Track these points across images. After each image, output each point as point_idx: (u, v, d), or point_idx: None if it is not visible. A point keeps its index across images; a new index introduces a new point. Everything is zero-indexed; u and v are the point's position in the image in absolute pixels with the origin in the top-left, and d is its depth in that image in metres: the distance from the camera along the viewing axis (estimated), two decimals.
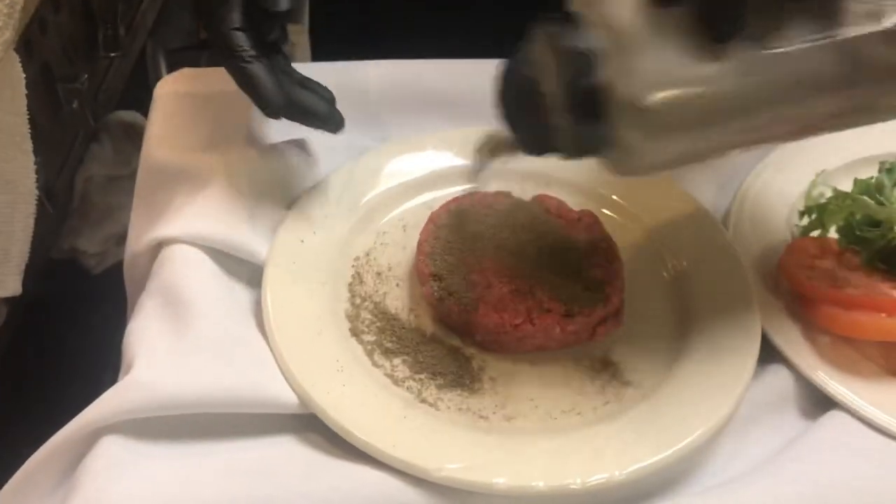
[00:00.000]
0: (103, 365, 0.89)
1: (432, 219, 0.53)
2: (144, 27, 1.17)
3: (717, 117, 0.40)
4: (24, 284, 0.75)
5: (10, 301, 0.75)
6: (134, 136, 1.04)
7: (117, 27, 1.02)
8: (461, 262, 0.51)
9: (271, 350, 0.47)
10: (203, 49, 1.32)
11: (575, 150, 0.42)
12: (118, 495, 0.41)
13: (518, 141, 0.44)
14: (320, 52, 0.89)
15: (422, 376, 0.49)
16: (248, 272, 0.53)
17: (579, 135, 0.40)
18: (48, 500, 0.43)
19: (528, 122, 0.42)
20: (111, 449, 0.42)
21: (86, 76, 0.94)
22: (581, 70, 0.39)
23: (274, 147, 0.58)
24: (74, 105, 0.92)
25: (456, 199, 0.55)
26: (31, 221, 0.74)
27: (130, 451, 0.43)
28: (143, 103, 1.17)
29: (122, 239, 1.01)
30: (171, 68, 1.25)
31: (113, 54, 1.02)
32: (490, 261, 0.51)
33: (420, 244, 0.52)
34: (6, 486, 0.45)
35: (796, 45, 0.39)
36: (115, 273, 0.96)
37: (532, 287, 0.49)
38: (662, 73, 0.39)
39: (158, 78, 1.11)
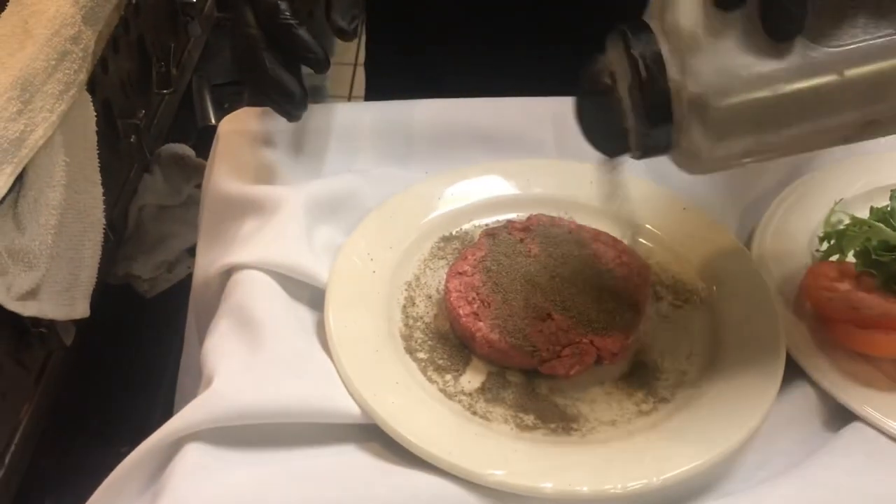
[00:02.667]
0: (156, 381, 0.95)
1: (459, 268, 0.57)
2: (191, 64, 1.23)
3: (781, 118, 0.41)
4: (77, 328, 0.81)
5: (76, 323, 0.81)
6: (183, 167, 1.10)
7: (170, 65, 1.08)
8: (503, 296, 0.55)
9: (335, 366, 0.52)
10: (243, 85, 1.38)
11: (645, 150, 0.44)
12: (201, 497, 0.45)
13: (593, 143, 0.46)
14: (373, 89, 0.93)
15: (472, 391, 0.53)
16: (309, 294, 0.57)
17: (649, 136, 0.43)
18: (136, 501, 0.48)
19: (603, 124, 0.45)
20: (195, 455, 0.47)
21: (143, 111, 1.00)
22: (651, 74, 0.42)
23: (330, 179, 0.63)
24: (132, 139, 0.98)
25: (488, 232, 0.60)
26: (99, 249, 0.79)
27: (212, 457, 0.47)
28: (189, 135, 1.24)
29: (172, 265, 1.07)
30: (215, 102, 1.32)
31: (165, 91, 1.08)
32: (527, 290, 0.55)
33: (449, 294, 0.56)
34: (98, 489, 0.49)
35: (857, 43, 0.40)
36: (166, 297, 1.02)
37: (575, 315, 0.54)
38: (727, 75, 0.40)
39: (204, 111, 1.18)
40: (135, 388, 0.91)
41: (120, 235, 1.02)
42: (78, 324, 0.80)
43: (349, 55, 2.41)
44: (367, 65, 0.94)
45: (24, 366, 0.76)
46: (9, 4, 0.79)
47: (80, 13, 0.79)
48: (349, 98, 2.33)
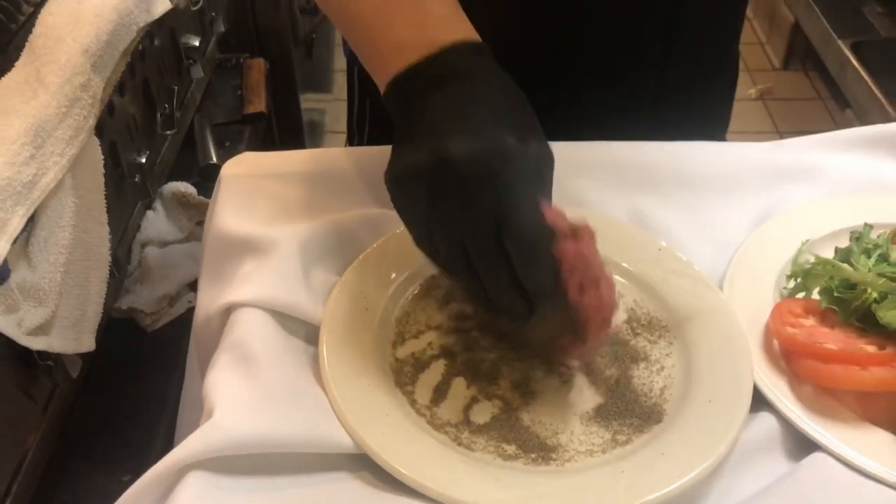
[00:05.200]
0: (158, 412, 0.98)
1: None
2: (193, 105, 1.28)
3: None
4: (83, 360, 0.84)
5: (82, 356, 0.84)
6: (185, 205, 1.14)
7: (173, 107, 1.13)
8: None
9: (328, 399, 0.55)
10: (244, 124, 1.43)
11: None
12: None
13: None
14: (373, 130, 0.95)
15: (457, 422, 0.56)
16: (305, 331, 0.61)
17: None
18: None
19: None
20: (197, 483, 0.50)
21: (147, 152, 1.04)
22: None
23: (326, 221, 0.67)
24: (136, 178, 1.02)
25: None
26: (105, 285, 0.83)
27: (213, 484, 0.51)
28: (190, 173, 1.28)
29: (174, 299, 1.10)
30: (216, 141, 1.36)
31: (169, 131, 1.12)
32: None
33: None
34: None
35: None
36: (168, 331, 1.06)
37: None
38: None
39: (205, 150, 1.22)
40: (137, 418, 0.94)
41: (123, 270, 1.06)
42: (83, 356, 0.84)
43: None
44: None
45: (32, 397, 0.79)
46: (22, 54, 0.83)
47: (89, 62, 0.83)
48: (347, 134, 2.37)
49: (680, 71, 0.82)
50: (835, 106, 2.49)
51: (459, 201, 0.51)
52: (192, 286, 1.11)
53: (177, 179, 1.18)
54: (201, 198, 1.15)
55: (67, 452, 0.91)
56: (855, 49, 2.12)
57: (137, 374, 1.03)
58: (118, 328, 1.05)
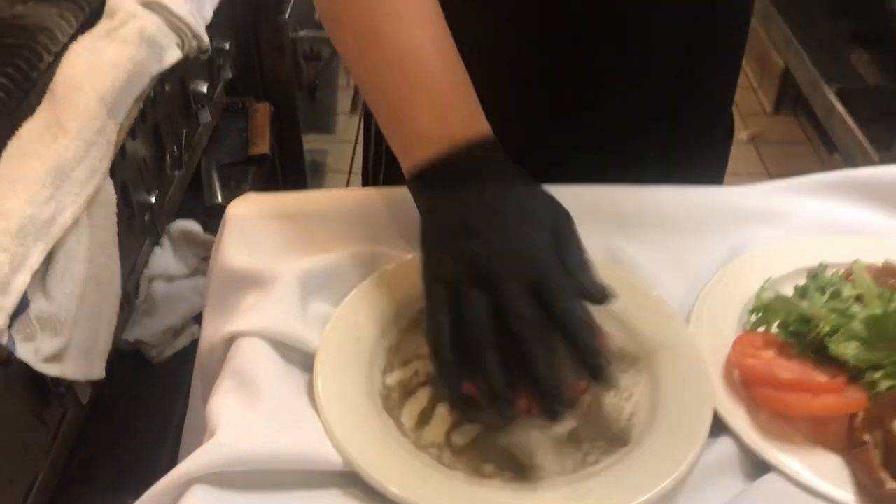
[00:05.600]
0: (161, 438, 1.03)
1: None
2: (200, 147, 1.34)
3: None
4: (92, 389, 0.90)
5: (91, 383, 0.89)
6: (191, 242, 1.20)
7: (182, 149, 1.19)
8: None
9: (321, 421, 0.60)
10: (248, 165, 1.49)
11: None
12: None
13: None
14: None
15: (439, 444, 0.61)
16: (301, 359, 0.66)
17: None
18: None
19: None
20: (199, 495, 0.55)
21: (156, 191, 1.10)
22: None
23: (323, 257, 0.72)
24: (146, 217, 1.08)
25: None
26: (115, 317, 0.88)
27: (215, 497, 0.55)
28: (197, 212, 1.34)
29: (178, 332, 1.16)
30: (222, 181, 1.43)
31: (177, 172, 1.18)
32: None
33: None
34: None
35: None
36: (172, 362, 1.11)
37: None
38: None
39: (211, 190, 1.29)
40: (142, 443, 0.99)
41: (131, 304, 1.11)
42: (93, 384, 0.89)
43: (350, 133, 2.54)
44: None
45: (45, 422, 0.84)
46: (43, 101, 0.89)
47: (105, 108, 0.90)
48: (349, 173, 2.44)
49: (686, 124, 0.88)
50: (824, 150, 2.55)
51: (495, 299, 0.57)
52: (197, 319, 1.16)
53: (184, 218, 1.24)
54: (207, 235, 1.20)
55: (75, 476, 0.95)
56: (841, 95, 2.20)
57: (143, 403, 1.08)
58: (126, 359, 1.11)
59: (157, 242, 1.18)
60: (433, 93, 0.64)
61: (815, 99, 2.38)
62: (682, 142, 0.89)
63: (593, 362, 0.56)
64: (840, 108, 2.16)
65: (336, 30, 0.69)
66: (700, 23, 0.82)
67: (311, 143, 2.12)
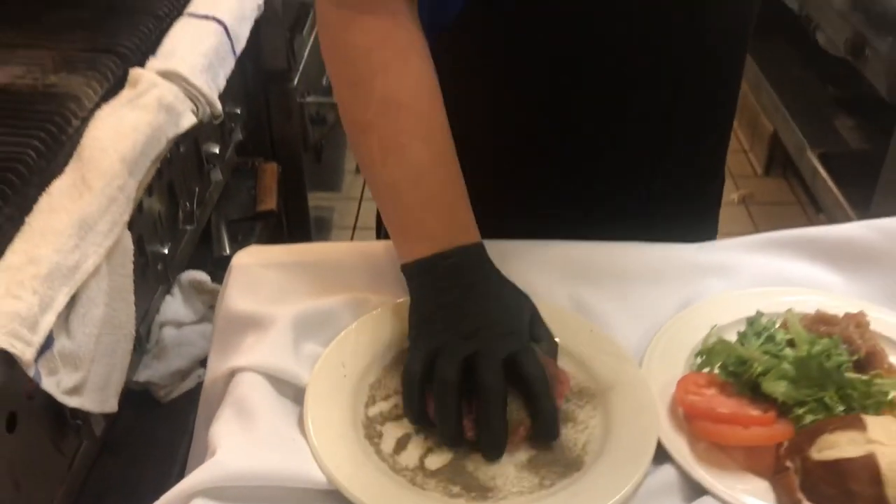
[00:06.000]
0: (167, 471, 1.10)
1: None
2: (211, 203, 1.45)
3: None
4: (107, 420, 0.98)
5: (105, 417, 0.97)
6: (200, 291, 1.29)
7: (194, 205, 1.29)
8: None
9: (309, 445, 0.68)
10: (256, 221, 1.60)
11: None
12: None
13: None
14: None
15: (414, 467, 0.69)
16: (293, 392, 0.74)
17: None
18: None
19: None
20: None
21: (169, 244, 1.19)
22: None
23: (315, 302, 0.81)
24: (159, 266, 1.17)
25: None
26: (129, 356, 0.97)
27: None
28: (206, 263, 1.43)
29: (185, 374, 1.24)
30: (230, 236, 1.52)
31: (189, 227, 1.28)
32: None
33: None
34: None
35: None
36: (179, 402, 1.20)
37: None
38: None
39: (220, 243, 1.39)
40: (149, 476, 1.06)
41: (142, 347, 1.20)
42: (105, 419, 0.97)
43: (355, 190, 2.65)
44: None
45: (62, 452, 0.92)
46: (71, 161, 0.99)
47: (126, 169, 1.00)
48: (353, 229, 2.54)
49: (666, 188, 0.96)
50: (812, 210, 2.65)
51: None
52: (203, 363, 1.24)
53: (194, 268, 1.33)
54: (215, 285, 1.29)
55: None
56: (823, 159, 2.30)
57: (151, 439, 1.16)
58: (136, 399, 1.19)
59: (168, 291, 1.27)
60: (442, 203, 0.77)
61: (802, 162, 2.48)
62: (662, 204, 0.97)
63: (547, 424, 0.70)
64: (822, 171, 2.26)
65: (362, 136, 0.79)
66: (681, 103, 0.90)
67: (318, 200, 2.23)
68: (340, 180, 2.62)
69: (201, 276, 1.30)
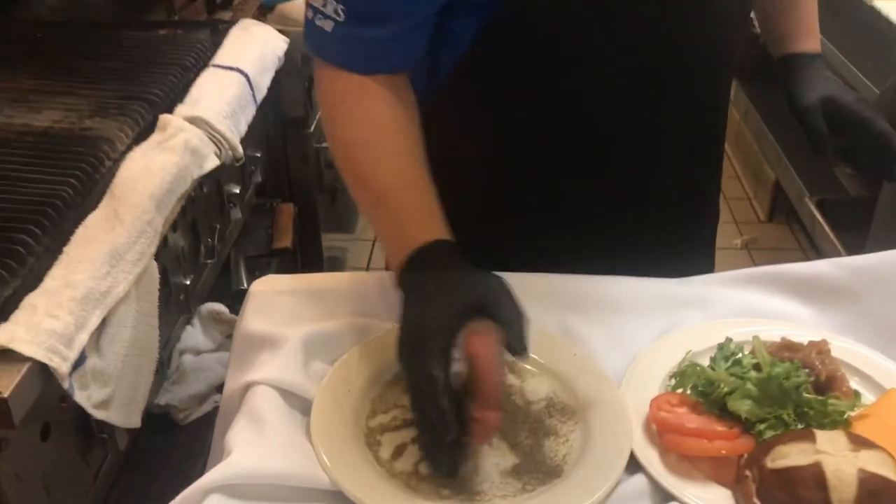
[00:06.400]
0: (184, 489, 1.17)
1: None
2: (231, 240, 1.54)
3: None
4: (131, 431, 1.06)
5: (129, 433, 1.05)
6: (218, 321, 1.38)
7: (215, 241, 1.38)
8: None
9: (315, 450, 0.76)
10: (272, 257, 1.69)
11: None
12: None
13: None
14: None
15: (408, 472, 0.76)
16: (302, 404, 0.82)
17: None
18: None
19: None
20: (215, 502, 0.71)
21: (191, 276, 1.28)
22: None
23: (324, 325, 0.89)
24: (181, 297, 1.26)
25: None
26: (152, 376, 1.05)
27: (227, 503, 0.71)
28: (224, 296, 1.52)
29: (203, 399, 1.32)
30: (248, 271, 1.61)
31: (209, 261, 1.37)
32: None
33: None
34: None
35: None
36: (197, 425, 1.28)
37: None
38: None
39: (238, 278, 1.48)
40: (166, 494, 1.13)
41: (163, 372, 1.28)
42: (129, 434, 1.05)
43: (368, 232, 2.74)
44: None
45: (88, 464, 1.00)
46: (104, 198, 1.09)
47: (154, 205, 1.09)
48: (367, 268, 2.63)
49: (653, 236, 1.03)
50: (813, 255, 2.71)
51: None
52: (220, 389, 1.32)
53: (213, 301, 1.42)
54: (232, 315, 1.38)
55: None
56: (821, 206, 2.37)
57: (169, 459, 1.23)
58: (156, 421, 1.26)
59: (189, 321, 1.36)
60: (405, 222, 0.84)
61: (801, 209, 2.56)
62: (652, 249, 1.04)
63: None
64: (820, 217, 2.33)
65: (342, 174, 0.90)
66: (664, 150, 0.99)
67: (332, 241, 2.32)
68: (354, 223, 2.72)
69: (220, 307, 1.39)
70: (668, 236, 1.05)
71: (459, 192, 0.88)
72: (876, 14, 2.07)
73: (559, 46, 0.88)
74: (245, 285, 1.51)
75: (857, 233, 2.21)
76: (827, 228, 2.26)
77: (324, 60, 0.87)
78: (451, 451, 0.74)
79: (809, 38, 1.11)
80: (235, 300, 1.48)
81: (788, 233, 2.93)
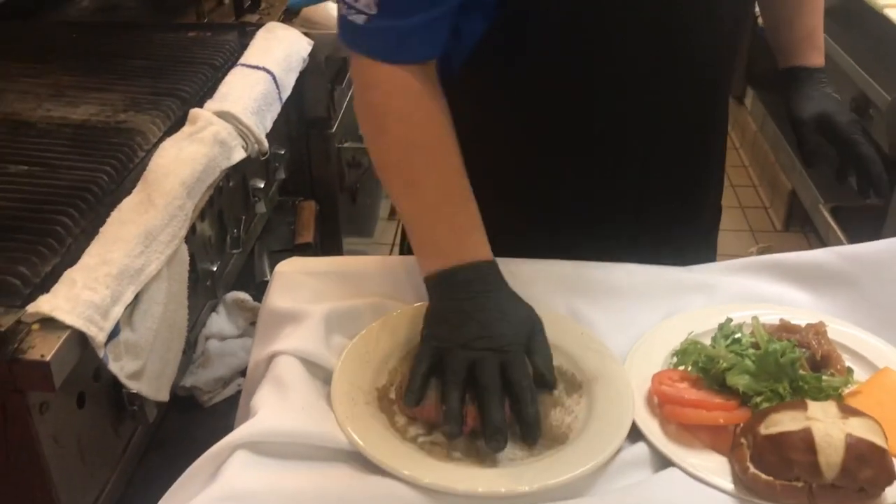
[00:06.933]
0: None
1: None
2: (256, 233, 1.59)
3: None
4: (159, 406, 1.11)
5: (158, 407, 1.10)
6: (242, 309, 1.43)
7: (240, 232, 1.44)
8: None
9: (334, 413, 0.81)
10: (294, 252, 1.74)
11: None
12: (244, 481, 0.74)
13: None
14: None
15: (421, 436, 0.81)
16: (323, 374, 0.87)
17: None
18: (202, 487, 0.76)
19: None
20: (242, 457, 0.76)
21: (217, 263, 1.34)
22: None
23: (344, 302, 0.94)
24: (208, 283, 1.32)
25: None
26: (181, 352, 1.10)
27: (253, 460, 0.76)
28: (248, 286, 1.57)
29: (227, 382, 1.37)
30: (271, 264, 1.67)
31: (235, 251, 1.43)
32: None
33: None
34: (175, 483, 0.78)
35: None
36: (221, 406, 1.33)
37: None
38: None
39: (261, 269, 1.54)
40: None
41: (189, 357, 1.34)
42: (158, 408, 1.10)
43: (388, 237, 2.79)
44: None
45: (119, 435, 1.05)
46: (138, 184, 1.15)
47: (185, 191, 1.15)
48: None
49: (653, 219, 1.09)
50: None
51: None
52: (243, 373, 1.37)
53: (238, 290, 1.47)
54: (255, 303, 1.43)
55: (136, 492, 1.15)
56: (835, 213, 2.40)
57: (194, 439, 1.28)
58: (182, 402, 1.32)
59: (214, 308, 1.41)
60: (453, 227, 0.90)
61: (816, 216, 2.58)
62: (651, 232, 1.08)
63: (528, 426, 0.79)
64: (834, 224, 2.36)
65: (386, 174, 0.93)
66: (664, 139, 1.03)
67: (352, 245, 2.37)
68: (373, 226, 2.77)
69: (244, 295, 1.44)
70: (668, 218, 1.09)
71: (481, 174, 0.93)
72: (887, 22, 2.10)
73: (569, 37, 0.93)
74: (268, 277, 1.56)
75: (869, 239, 2.23)
76: (840, 235, 2.29)
77: (357, 53, 0.92)
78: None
79: (814, 51, 1.16)
80: (259, 291, 1.53)
81: (804, 241, 2.95)
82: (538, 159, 1.04)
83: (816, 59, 1.16)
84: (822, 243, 2.69)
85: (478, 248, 0.89)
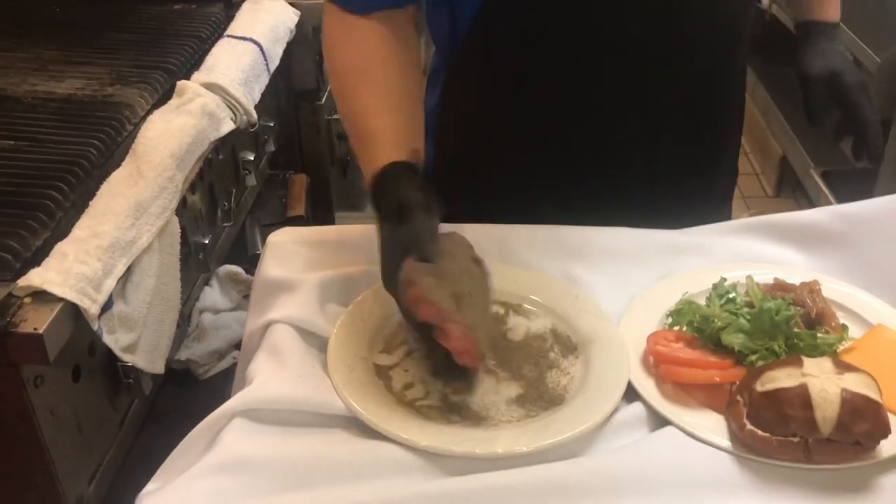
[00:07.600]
0: None
1: None
2: (247, 207, 1.59)
3: None
4: (155, 379, 1.11)
5: (154, 381, 1.10)
6: (235, 282, 1.42)
7: (231, 206, 1.43)
8: None
9: (331, 380, 0.81)
10: (285, 224, 1.73)
11: None
12: (242, 448, 0.74)
13: None
14: None
15: (418, 400, 0.81)
16: (318, 342, 0.87)
17: None
18: (200, 454, 0.76)
19: None
20: (239, 423, 0.76)
21: (209, 236, 1.33)
22: None
23: (337, 270, 0.93)
24: (200, 256, 1.31)
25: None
26: (175, 325, 1.10)
27: (251, 427, 0.76)
28: (241, 259, 1.57)
29: (222, 355, 1.37)
30: (263, 237, 1.65)
31: (226, 224, 1.42)
32: None
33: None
34: (174, 450, 0.78)
35: None
36: (216, 380, 1.33)
37: None
38: None
39: (253, 243, 1.54)
40: None
41: (184, 330, 1.33)
42: (154, 380, 1.10)
43: None
44: None
45: (116, 409, 1.05)
46: (128, 156, 1.14)
47: (174, 162, 1.14)
48: None
49: (664, 188, 1.06)
50: None
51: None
52: (237, 346, 1.37)
53: (230, 263, 1.47)
54: (248, 276, 1.43)
55: (133, 465, 1.15)
56: (825, 177, 2.40)
57: (190, 412, 1.27)
58: (177, 376, 1.32)
59: (207, 281, 1.41)
60: (376, 146, 0.90)
61: (807, 182, 2.59)
62: (662, 200, 1.08)
63: None
64: (825, 188, 2.36)
65: (344, 115, 0.95)
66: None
67: (344, 219, 2.36)
68: (366, 200, 2.75)
69: (237, 268, 1.43)
70: (680, 189, 1.08)
71: (482, 140, 0.92)
72: None
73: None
74: (260, 251, 1.55)
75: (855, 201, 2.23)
76: (831, 199, 2.29)
77: (329, 2, 0.94)
78: (460, 370, 0.79)
79: (832, 6, 1.15)
80: (251, 264, 1.52)
81: (795, 207, 2.95)
82: (540, 138, 1.03)
83: (833, 14, 1.15)
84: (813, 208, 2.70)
85: (392, 155, 0.88)
